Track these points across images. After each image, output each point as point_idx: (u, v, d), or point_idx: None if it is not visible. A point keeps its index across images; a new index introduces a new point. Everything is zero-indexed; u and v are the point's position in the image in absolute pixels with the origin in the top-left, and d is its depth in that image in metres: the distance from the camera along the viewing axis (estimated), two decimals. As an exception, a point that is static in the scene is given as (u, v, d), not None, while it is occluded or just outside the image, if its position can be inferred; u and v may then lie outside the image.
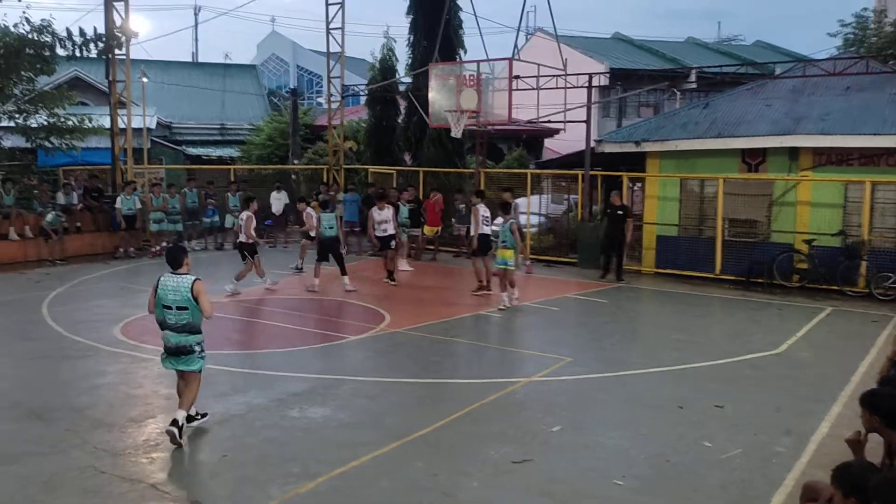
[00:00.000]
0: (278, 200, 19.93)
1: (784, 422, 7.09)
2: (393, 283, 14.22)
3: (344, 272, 13.60)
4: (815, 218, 14.28)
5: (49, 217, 16.83)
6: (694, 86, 28.38)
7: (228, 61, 41.79)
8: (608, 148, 16.99)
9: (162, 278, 6.48)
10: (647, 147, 16.22)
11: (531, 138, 29.35)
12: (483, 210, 13.19)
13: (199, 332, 6.52)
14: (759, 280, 14.37)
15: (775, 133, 14.74)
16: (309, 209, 15.35)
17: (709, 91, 25.44)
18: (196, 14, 54.90)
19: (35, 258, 16.65)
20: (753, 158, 15.29)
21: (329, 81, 22.43)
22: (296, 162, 24.68)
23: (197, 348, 6.49)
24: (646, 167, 16.56)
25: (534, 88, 16.82)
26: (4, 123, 20.02)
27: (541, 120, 17.53)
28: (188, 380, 6.54)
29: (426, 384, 8.27)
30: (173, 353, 6.49)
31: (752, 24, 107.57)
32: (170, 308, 6.37)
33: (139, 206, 18.02)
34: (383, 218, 14.52)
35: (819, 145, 14.38)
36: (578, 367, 8.85)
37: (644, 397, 7.81)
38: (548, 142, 31.09)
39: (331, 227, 13.54)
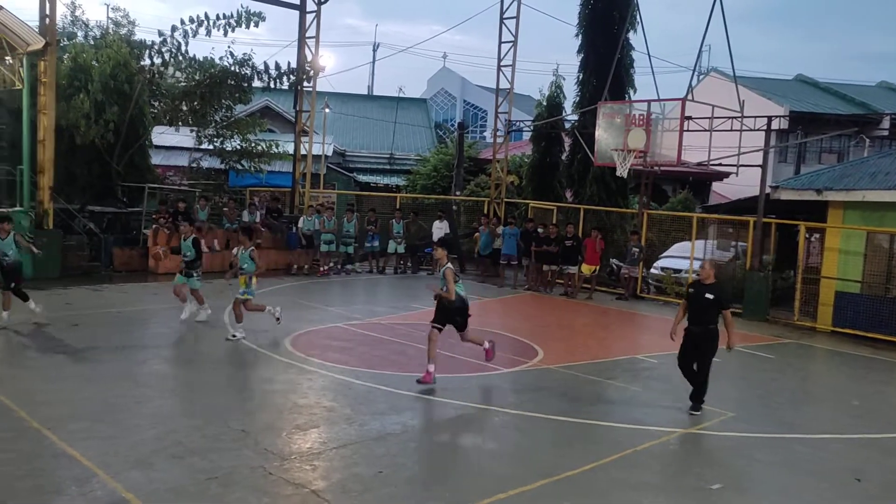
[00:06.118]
0: (439, 229, 20.55)
1: (982, 511, 6.34)
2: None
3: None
4: None
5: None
6: (886, 133, 26.15)
7: (401, 95, 43.86)
8: (784, 195, 16.08)
9: None
10: (830, 196, 15.20)
11: (698, 181, 28.34)
12: None
13: None
14: (956, 349, 12.95)
15: (984, 188, 13.33)
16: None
17: (903, 138, 23.40)
18: (374, 50, 58.60)
19: (219, 269, 18.20)
20: (955, 214, 13.89)
21: (496, 116, 22.96)
22: (458, 193, 25.37)
23: None
24: (826, 217, 15.50)
25: (706, 130, 16.28)
26: (204, 146, 22.32)
27: (712, 163, 16.91)
28: None
29: (577, 423, 8.17)
30: None
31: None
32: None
33: (317, 227, 19.16)
34: None
35: None
36: (741, 424, 8.39)
37: (814, 464, 7.25)
38: (715, 185, 29.89)
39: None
